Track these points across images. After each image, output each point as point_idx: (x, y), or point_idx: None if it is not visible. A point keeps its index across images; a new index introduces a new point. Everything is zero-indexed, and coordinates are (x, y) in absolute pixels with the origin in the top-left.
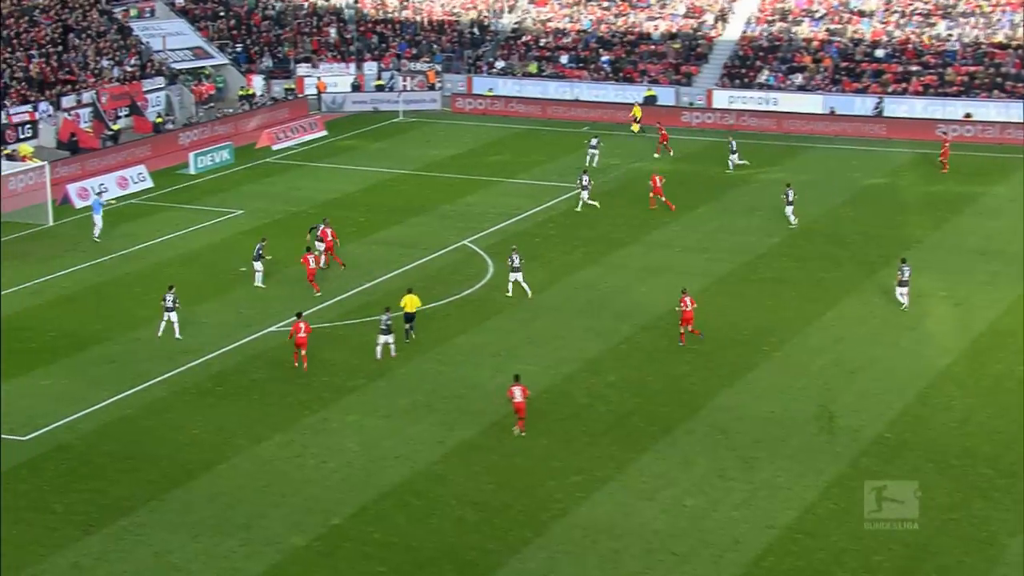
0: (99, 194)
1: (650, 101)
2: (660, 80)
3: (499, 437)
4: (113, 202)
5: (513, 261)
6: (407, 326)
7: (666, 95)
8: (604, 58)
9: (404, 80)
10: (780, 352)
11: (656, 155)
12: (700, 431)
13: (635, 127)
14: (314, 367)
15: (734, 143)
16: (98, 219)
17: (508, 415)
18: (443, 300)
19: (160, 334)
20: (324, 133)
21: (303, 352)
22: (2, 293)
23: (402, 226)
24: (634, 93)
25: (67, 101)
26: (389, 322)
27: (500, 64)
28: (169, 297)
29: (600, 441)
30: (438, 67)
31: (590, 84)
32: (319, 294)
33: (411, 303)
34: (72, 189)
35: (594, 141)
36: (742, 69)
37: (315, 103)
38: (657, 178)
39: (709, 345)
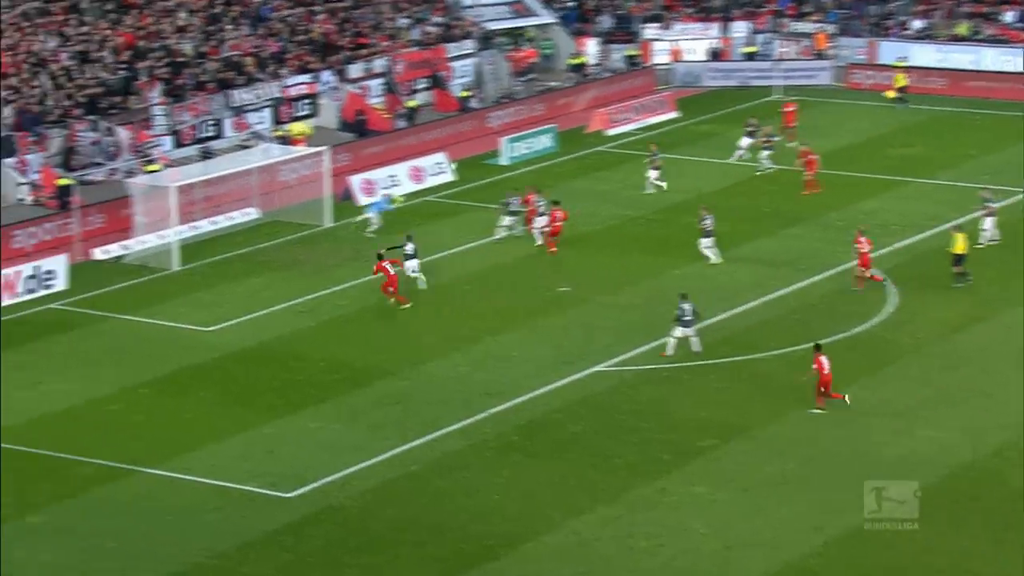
0: (386, 190)
1: None
2: None
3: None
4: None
5: (705, 222)
6: (956, 269)
7: None
8: None
9: (783, 46)
10: None
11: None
12: None
13: (890, 94)
14: (651, 421)
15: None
16: (376, 218)
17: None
18: (827, 339)
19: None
20: (675, 115)
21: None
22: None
23: (773, 239)
24: None
25: (354, 70)
26: (695, 310)
27: (917, 24)
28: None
29: None
30: (831, 28)
31: None
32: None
33: (960, 243)
34: (355, 182)
35: (748, 134)
36: None
37: (664, 76)
38: (806, 151)
39: None
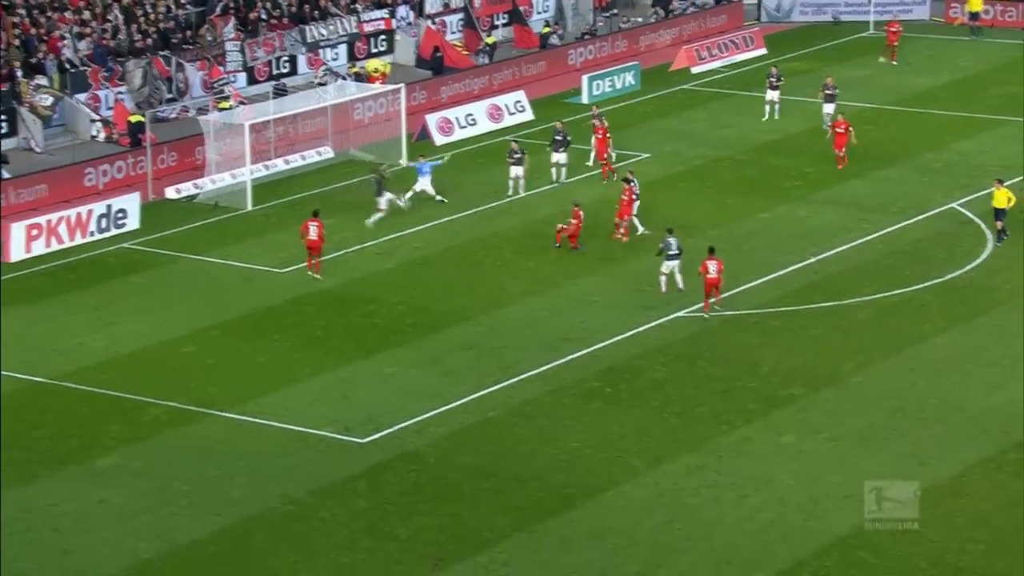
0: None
1: None
2: None
3: (994, 479)
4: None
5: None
6: (1000, 224)
7: None
8: None
9: None
10: None
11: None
12: None
13: (958, 21)
14: (736, 368)
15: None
16: (424, 182)
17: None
18: (919, 285)
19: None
20: (763, 51)
21: (315, 259)
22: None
23: (863, 181)
24: None
25: (432, 5)
26: (680, 245)
27: None
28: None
29: None
30: None
31: None
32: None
33: (1001, 198)
34: (432, 120)
35: (771, 86)
36: None
37: (752, 11)
38: (842, 123)
39: None
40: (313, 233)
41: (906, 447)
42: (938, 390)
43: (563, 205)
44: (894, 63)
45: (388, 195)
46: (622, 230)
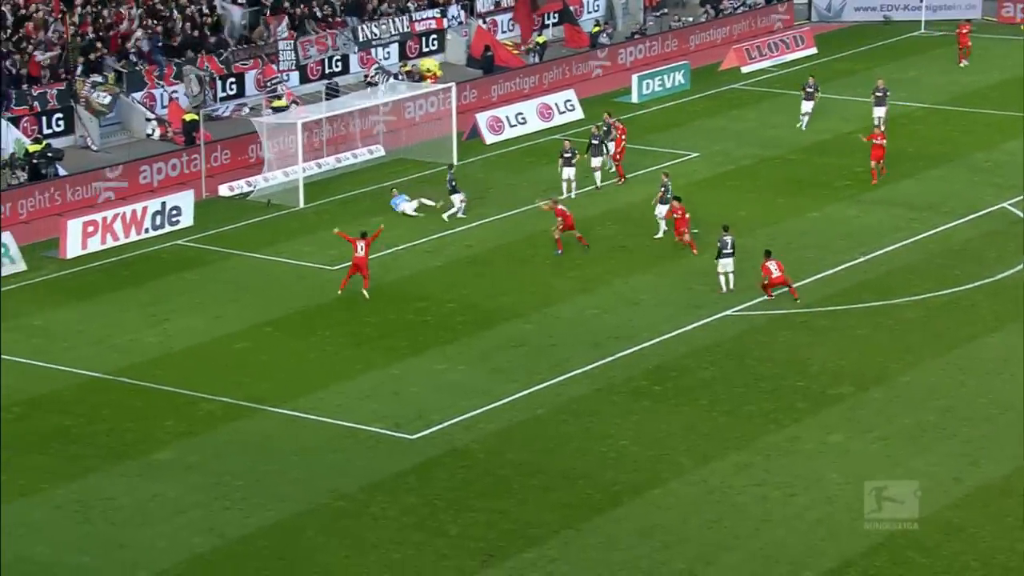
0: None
1: None
2: None
3: None
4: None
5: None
6: None
7: None
8: None
9: None
10: None
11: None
12: None
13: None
14: (784, 367)
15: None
16: (408, 206)
17: None
18: (970, 284)
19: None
20: (814, 51)
21: (364, 277)
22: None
23: (915, 180)
24: None
25: (483, 3)
26: (735, 243)
27: None
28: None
29: None
30: None
31: None
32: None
33: None
34: (482, 119)
35: (807, 96)
36: None
37: (803, 10)
38: (878, 134)
39: None
40: (360, 250)
41: (956, 447)
42: (988, 389)
43: (609, 206)
44: (964, 63)
45: (461, 194)
46: (687, 240)
